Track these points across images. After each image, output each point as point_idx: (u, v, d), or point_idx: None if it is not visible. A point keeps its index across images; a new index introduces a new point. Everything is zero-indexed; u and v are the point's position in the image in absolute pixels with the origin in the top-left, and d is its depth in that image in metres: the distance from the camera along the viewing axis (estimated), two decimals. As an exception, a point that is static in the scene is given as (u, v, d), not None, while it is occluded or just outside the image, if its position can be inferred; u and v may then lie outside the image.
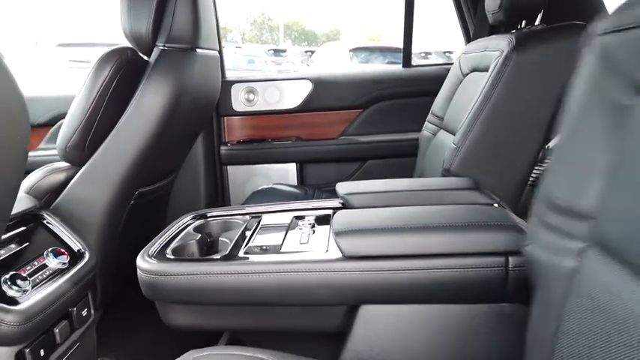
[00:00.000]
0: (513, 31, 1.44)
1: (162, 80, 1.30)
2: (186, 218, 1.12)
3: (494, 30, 1.69)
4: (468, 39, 1.94)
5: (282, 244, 0.93)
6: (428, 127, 1.71)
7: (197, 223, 1.10)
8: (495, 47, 1.34)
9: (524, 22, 1.43)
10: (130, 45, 1.35)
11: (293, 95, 1.98)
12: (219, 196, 1.98)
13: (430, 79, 1.92)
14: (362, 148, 1.97)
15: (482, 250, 0.82)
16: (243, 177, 1.98)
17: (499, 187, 1.29)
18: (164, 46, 1.33)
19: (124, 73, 1.27)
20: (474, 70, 1.52)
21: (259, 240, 0.97)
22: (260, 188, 1.82)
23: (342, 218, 0.94)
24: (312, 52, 12.18)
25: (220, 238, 1.02)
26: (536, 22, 1.42)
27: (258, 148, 1.96)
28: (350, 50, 9.04)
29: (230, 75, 2.00)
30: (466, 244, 0.83)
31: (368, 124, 2.00)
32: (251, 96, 1.97)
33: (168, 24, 1.34)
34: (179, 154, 1.70)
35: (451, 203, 1.06)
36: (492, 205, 1.05)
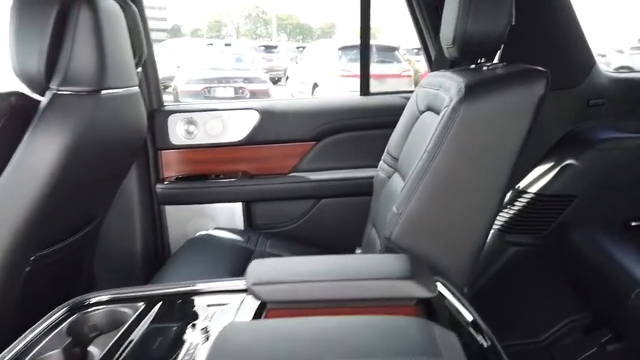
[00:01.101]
0: (473, 65, 1.24)
1: (53, 130, 1.10)
2: (62, 311, 0.93)
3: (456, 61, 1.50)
4: (431, 67, 1.74)
5: None
6: (383, 167, 1.52)
7: (74, 317, 0.90)
8: (447, 89, 1.15)
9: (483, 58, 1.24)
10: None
11: (238, 127, 1.77)
12: (157, 239, 1.79)
13: (390, 110, 1.72)
14: (315, 185, 1.77)
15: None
16: (184, 217, 1.78)
17: (448, 259, 1.10)
18: (58, 89, 1.13)
19: (7, 123, 1.07)
20: (429, 109, 1.32)
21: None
22: (198, 235, 1.63)
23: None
24: (305, 48, 11.94)
25: (89, 348, 0.83)
26: (496, 60, 1.22)
27: (200, 186, 1.76)
28: (339, 49, 8.80)
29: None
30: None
31: (322, 158, 1.80)
32: (191, 127, 1.77)
33: (64, 63, 1.14)
34: (99, 199, 1.50)
35: (381, 298, 0.90)
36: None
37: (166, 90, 10.06)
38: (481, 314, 1.57)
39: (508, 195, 1.66)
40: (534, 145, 1.63)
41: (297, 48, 13.65)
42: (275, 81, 12.04)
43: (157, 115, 1.75)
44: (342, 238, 1.59)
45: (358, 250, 1.55)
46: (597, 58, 1.66)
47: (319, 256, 1.04)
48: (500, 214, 1.66)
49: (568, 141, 1.61)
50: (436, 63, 1.67)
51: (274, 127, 1.79)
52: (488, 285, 1.65)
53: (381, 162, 1.53)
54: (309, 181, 1.77)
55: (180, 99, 7.86)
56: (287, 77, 11.37)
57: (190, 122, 1.76)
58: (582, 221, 1.54)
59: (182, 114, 1.76)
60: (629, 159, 1.55)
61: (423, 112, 1.37)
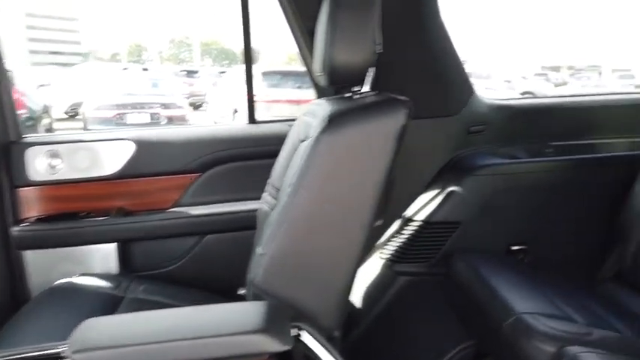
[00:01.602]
0: (349, 94, 1.20)
1: None
2: None
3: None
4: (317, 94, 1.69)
5: None
6: (266, 199, 1.42)
7: None
8: (317, 119, 1.09)
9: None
10: None
11: (111, 159, 1.61)
12: (15, 289, 1.57)
13: (277, 138, 1.65)
14: (199, 220, 1.65)
15: None
16: (47, 263, 1.58)
17: (315, 302, 1.02)
18: None
19: None
20: (305, 138, 1.26)
21: None
22: (58, 283, 1.45)
23: None
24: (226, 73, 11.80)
25: None
26: (368, 88, 1.18)
27: (66, 226, 1.57)
28: (261, 73, 8.75)
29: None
30: None
31: (207, 191, 1.68)
32: (55, 161, 1.58)
33: None
34: None
35: (228, 356, 0.80)
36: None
37: (75, 117, 9.51)
38: (371, 347, 1.50)
39: (396, 224, 1.63)
40: (419, 172, 1.64)
41: (220, 73, 13.47)
42: (197, 106, 11.77)
43: (14, 148, 1.56)
44: (227, 278, 1.47)
45: (242, 291, 1.44)
46: (503, 84, 1.71)
47: (164, 310, 0.94)
48: (389, 243, 1.62)
49: (451, 168, 1.61)
50: (320, 90, 1.63)
51: (153, 159, 1.65)
52: (380, 316, 1.60)
53: (264, 194, 1.44)
54: (192, 216, 1.64)
55: (89, 126, 7.42)
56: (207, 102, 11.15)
57: (54, 155, 1.58)
58: (466, 248, 1.54)
59: (44, 146, 1.58)
60: (509, 184, 1.58)
61: (302, 141, 1.30)
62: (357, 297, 1.65)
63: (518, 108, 1.71)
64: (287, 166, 1.36)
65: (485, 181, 1.56)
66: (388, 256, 1.61)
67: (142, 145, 1.64)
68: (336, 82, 1.15)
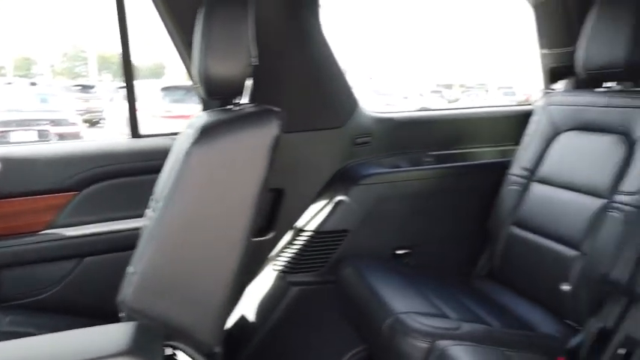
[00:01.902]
0: (230, 105, 1.19)
1: None
2: None
3: None
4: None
5: None
6: (149, 215, 1.37)
7: None
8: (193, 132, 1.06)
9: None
10: None
11: (-29, 179, 1.46)
12: None
13: (162, 153, 1.59)
14: (77, 242, 1.53)
15: None
16: None
17: (192, 318, 0.99)
18: None
19: None
20: None
21: None
22: None
23: None
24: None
25: None
26: (246, 100, 1.19)
27: None
28: (161, 89, 8.45)
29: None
30: None
31: (85, 210, 1.57)
32: None
33: None
34: None
35: None
36: None
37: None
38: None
39: (288, 235, 1.64)
40: (310, 183, 1.67)
41: (119, 88, 12.79)
42: (93, 123, 11.05)
43: None
44: (110, 302, 1.38)
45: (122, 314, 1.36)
46: (400, 100, 1.78)
47: (21, 340, 0.85)
48: (281, 255, 1.63)
49: (339, 178, 1.66)
50: (205, 103, 1.60)
51: (21, 177, 1.51)
52: (274, 328, 1.59)
53: (148, 210, 1.38)
54: (68, 238, 1.52)
55: (-37, 145, 6.65)
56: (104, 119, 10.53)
57: None
58: (355, 254, 1.58)
59: None
60: (393, 192, 1.66)
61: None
62: (250, 311, 1.63)
63: (400, 120, 1.81)
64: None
65: (370, 190, 1.63)
66: (281, 267, 1.61)
67: (10, 164, 1.50)
68: (213, 94, 1.14)
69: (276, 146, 1.01)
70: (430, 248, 1.70)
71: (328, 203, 1.62)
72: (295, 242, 1.61)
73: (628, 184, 1.26)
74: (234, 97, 1.16)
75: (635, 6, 1.36)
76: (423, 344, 1.08)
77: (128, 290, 0.96)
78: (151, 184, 1.46)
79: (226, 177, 0.98)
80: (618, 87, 1.47)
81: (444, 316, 1.24)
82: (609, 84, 1.50)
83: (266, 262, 1.65)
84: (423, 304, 1.28)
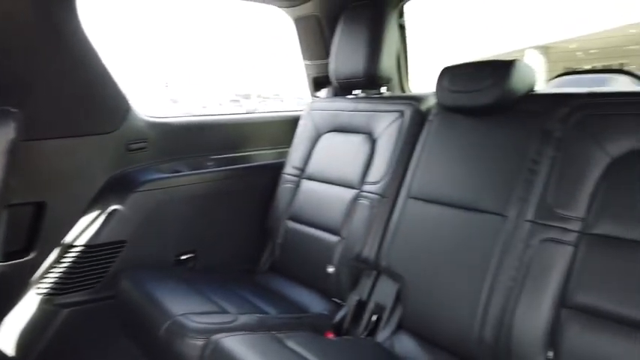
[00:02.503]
0: None
1: None
2: None
3: None
4: None
5: None
6: None
7: None
8: None
9: None
10: None
11: None
12: None
13: None
14: None
15: None
16: None
17: None
18: None
19: None
20: None
21: None
22: None
23: None
24: None
25: None
26: None
27: None
28: None
29: None
30: None
31: None
32: None
33: None
34: None
35: None
36: None
37: None
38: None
39: (54, 254, 1.49)
40: (76, 195, 1.53)
41: None
42: None
43: None
44: None
45: None
46: (199, 109, 1.71)
47: None
48: (47, 276, 1.46)
49: (112, 187, 1.57)
50: None
51: None
52: (44, 356, 1.43)
53: None
54: None
55: None
56: None
57: None
58: (135, 265, 1.52)
59: None
60: (173, 197, 1.64)
61: None
62: (9, 344, 1.42)
63: (177, 125, 1.80)
64: None
65: (148, 197, 1.58)
66: (46, 289, 1.45)
67: None
68: None
69: (14, 151, 0.91)
70: (214, 250, 1.73)
71: (101, 214, 1.52)
72: (63, 260, 1.46)
73: (372, 176, 1.49)
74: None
75: (369, 25, 1.62)
76: (198, 342, 1.10)
77: None
78: None
79: None
80: (362, 94, 1.74)
81: (223, 312, 1.28)
82: (356, 91, 1.75)
83: (27, 287, 1.46)
84: (202, 304, 1.30)
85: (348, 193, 1.53)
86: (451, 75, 1.34)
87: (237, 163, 1.89)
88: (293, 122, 1.93)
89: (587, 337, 0.95)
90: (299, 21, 1.94)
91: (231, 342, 1.07)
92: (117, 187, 1.57)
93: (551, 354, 0.99)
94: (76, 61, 1.46)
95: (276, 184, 1.80)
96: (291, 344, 1.12)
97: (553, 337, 0.99)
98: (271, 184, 1.81)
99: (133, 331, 1.39)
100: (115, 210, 1.52)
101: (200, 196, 1.70)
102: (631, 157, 1.00)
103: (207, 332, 1.12)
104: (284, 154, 1.96)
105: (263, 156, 1.98)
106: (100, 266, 1.49)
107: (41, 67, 1.36)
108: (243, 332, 1.15)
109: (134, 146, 1.64)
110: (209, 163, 1.83)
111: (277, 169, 1.84)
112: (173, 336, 1.14)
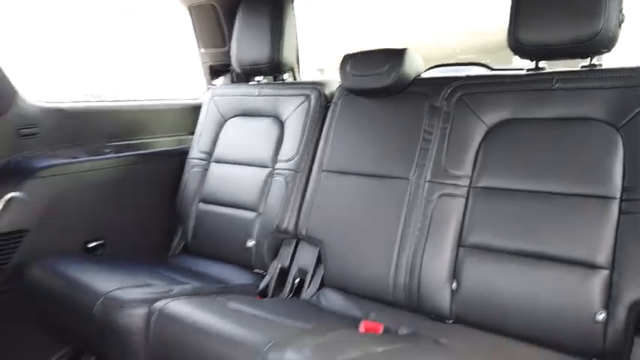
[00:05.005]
0: None
1: None
2: None
3: None
4: None
5: None
6: None
7: None
8: None
9: None
10: None
11: None
12: None
13: None
14: None
15: None
16: None
17: None
18: None
19: None
20: None
21: None
22: None
23: None
24: None
25: None
26: None
27: None
28: None
29: None
30: None
31: None
32: None
33: None
34: None
35: None
36: None
37: None
38: None
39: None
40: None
41: None
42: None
43: None
44: None
45: None
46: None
47: None
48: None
49: (6, 173, 1.45)
50: None
51: None
52: None
53: None
54: None
55: None
56: None
57: None
58: (41, 254, 1.42)
59: None
60: (76, 183, 1.56)
61: None
62: None
63: (71, 111, 1.70)
64: None
65: (48, 183, 1.48)
66: None
67: None
68: None
69: None
70: (123, 236, 1.68)
71: (-4, 203, 1.39)
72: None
73: (283, 154, 1.61)
74: None
75: (270, 13, 1.71)
76: (141, 310, 1.10)
77: None
78: None
79: None
80: (265, 80, 1.84)
81: (152, 286, 1.29)
82: (259, 78, 1.84)
83: None
84: (129, 280, 1.28)
85: (262, 172, 1.62)
86: (353, 61, 1.51)
87: (138, 149, 1.84)
88: (192, 109, 1.95)
89: (481, 268, 1.19)
90: (194, 9, 1.95)
91: (177, 305, 1.10)
92: (11, 174, 1.45)
93: (454, 285, 1.21)
94: None
95: (182, 169, 1.81)
96: (232, 305, 1.19)
97: (455, 272, 1.22)
98: (177, 169, 1.82)
99: (51, 319, 1.31)
100: (12, 197, 1.40)
101: (105, 183, 1.64)
102: (503, 125, 1.27)
103: (147, 301, 1.13)
104: (184, 141, 1.97)
105: (163, 143, 1.96)
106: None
107: None
108: (184, 297, 1.18)
109: (25, 132, 1.53)
110: (107, 150, 1.77)
111: (181, 154, 1.85)
112: (110, 310, 1.12)
